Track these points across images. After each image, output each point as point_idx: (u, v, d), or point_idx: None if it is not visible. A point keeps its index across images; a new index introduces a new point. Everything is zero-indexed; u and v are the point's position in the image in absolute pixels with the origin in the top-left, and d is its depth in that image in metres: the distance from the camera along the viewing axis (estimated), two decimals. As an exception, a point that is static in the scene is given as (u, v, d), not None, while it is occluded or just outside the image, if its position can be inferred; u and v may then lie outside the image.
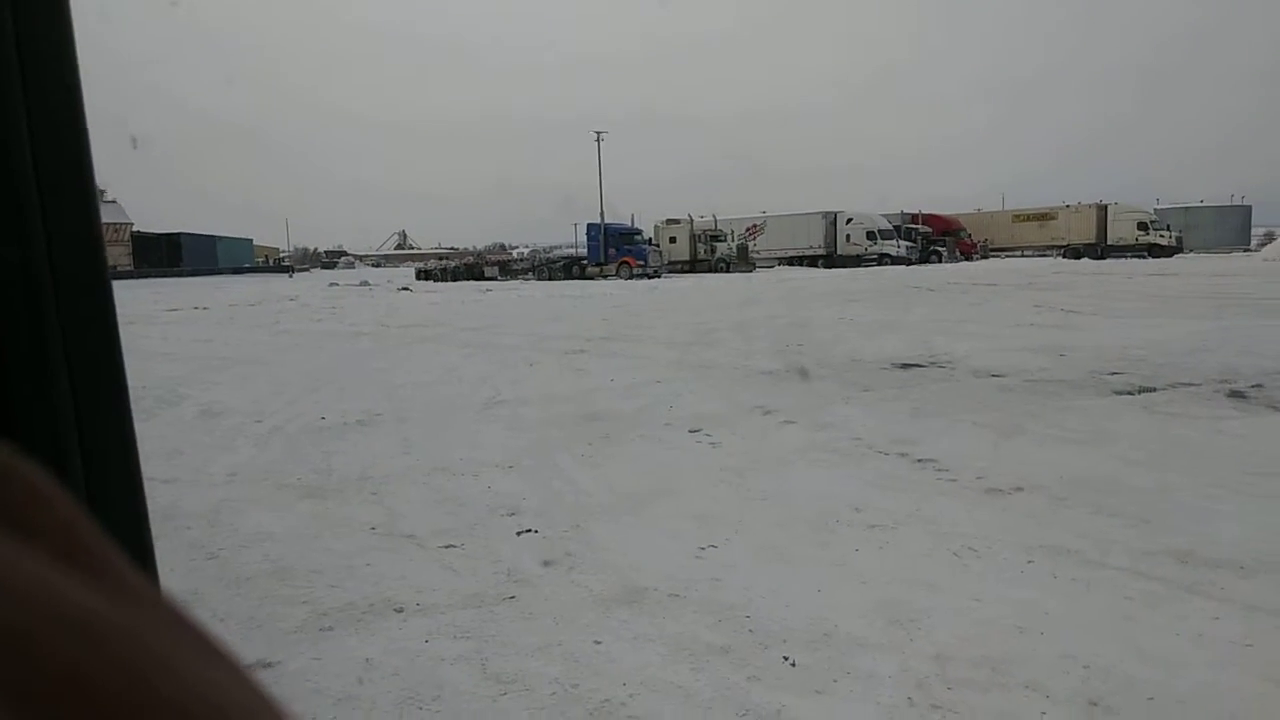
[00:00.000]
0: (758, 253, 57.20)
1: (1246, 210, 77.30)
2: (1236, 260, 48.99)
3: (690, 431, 7.09)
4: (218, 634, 0.25)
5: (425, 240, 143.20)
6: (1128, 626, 3.45)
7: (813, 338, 13.84)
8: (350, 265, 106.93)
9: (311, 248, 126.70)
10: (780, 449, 6.51)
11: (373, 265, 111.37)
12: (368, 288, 41.32)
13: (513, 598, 3.90)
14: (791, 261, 57.70)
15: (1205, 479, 5.41)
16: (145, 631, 0.23)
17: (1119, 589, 3.80)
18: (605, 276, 46.68)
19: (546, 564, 4.28)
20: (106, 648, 0.21)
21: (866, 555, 4.28)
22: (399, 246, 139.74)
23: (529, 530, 4.78)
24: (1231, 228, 75.27)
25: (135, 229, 75.95)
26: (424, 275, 54.93)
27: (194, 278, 60.10)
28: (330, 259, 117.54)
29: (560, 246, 60.55)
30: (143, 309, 24.35)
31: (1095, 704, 2.91)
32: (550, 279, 47.98)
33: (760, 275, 46.38)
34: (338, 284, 45.62)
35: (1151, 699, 2.92)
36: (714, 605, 3.74)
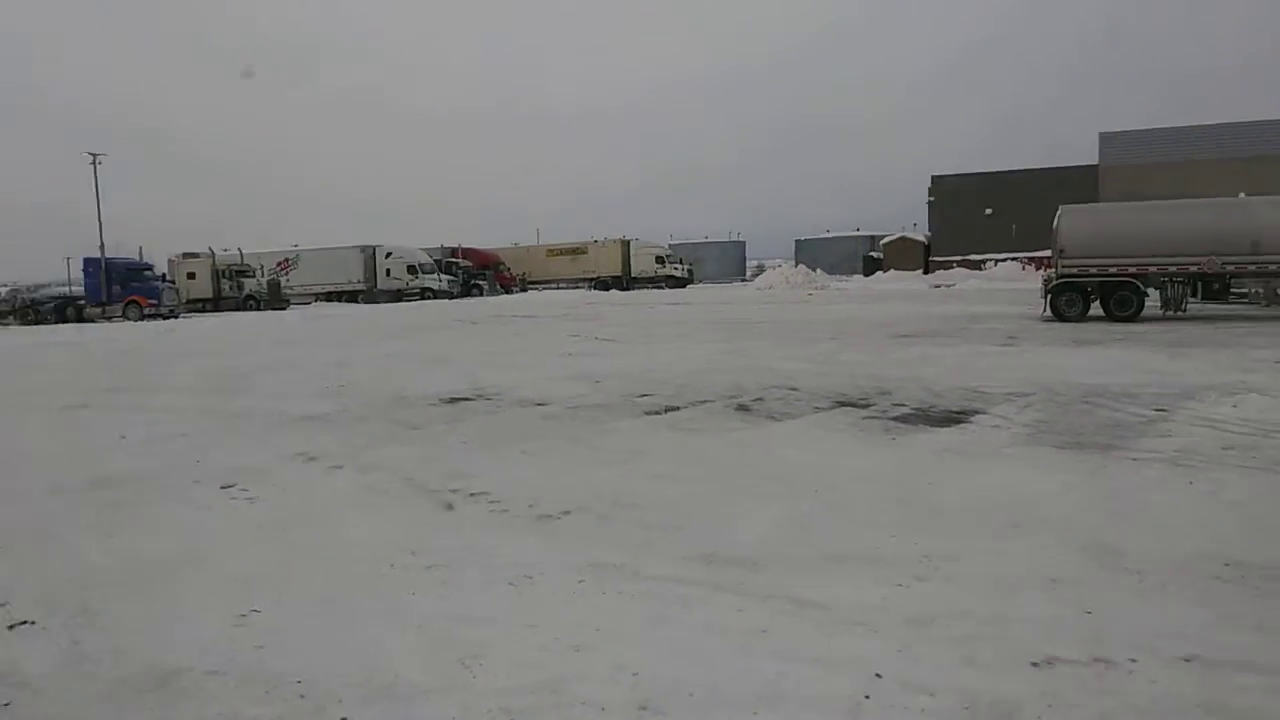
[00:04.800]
0: (291, 289, 54.74)
1: (742, 245, 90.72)
2: (736, 289, 57.13)
3: (223, 488, 6.55)
4: None
5: None
6: (668, 629, 3.84)
7: (356, 376, 13.55)
8: None
9: None
10: (328, 497, 6.26)
11: None
12: None
13: (8, 704, 3.29)
14: (330, 297, 56.07)
15: (723, 485, 6.20)
16: None
17: (658, 596, 4.21)
18: (109, 318, 41.57)
19: (50, 658, 3.68)
20: None
21: (424, 597, 4.27)
22: None
23: (24, 622, 4.08)
24: (731, 261, 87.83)
25: None
26: None
27: None
28: None
29: (50, 284, 52.61)
30: None
31: (644, 708, 3.18)
32: (38, 323, 41.58)
33: (295, 313, 44.38)
34: None
35: (692, 694, 3.27)
36: (260, 675, 3.48)
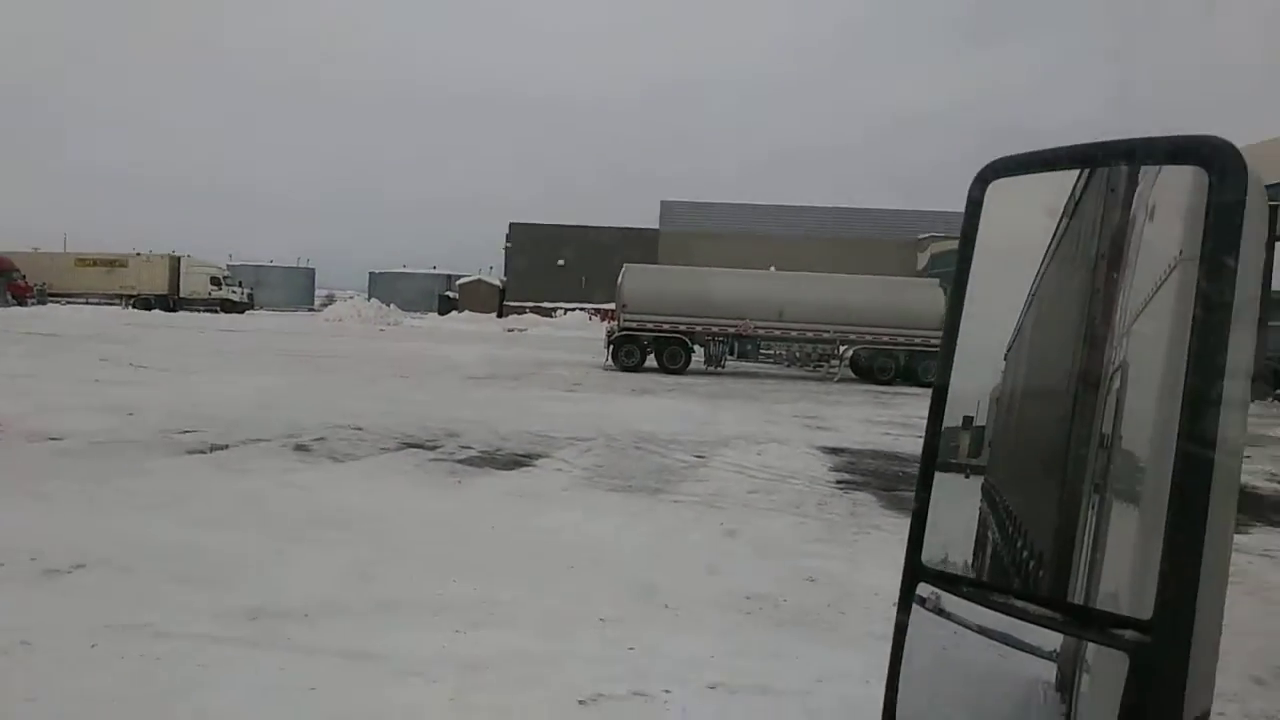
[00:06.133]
0: None
1: (311, 272, 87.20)
2: (302, 319, 54.68)
3: None
4: None
5: None
6: (201, 695, 3.51)
7: None
8: None
9: None
10: None
11: None
12: None
13: None
14: None
15: (275, 532, 5.85)
16: None
17: (190, 658, 3.85)
18: None
19: None
20: None
21: (-125, 677, 3.51)
22: None
23: None
24: (299, 287, 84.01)
25: None
26: None
27: None
28: None
29: None
30: None
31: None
32: None
33: None
34: None
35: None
36: None
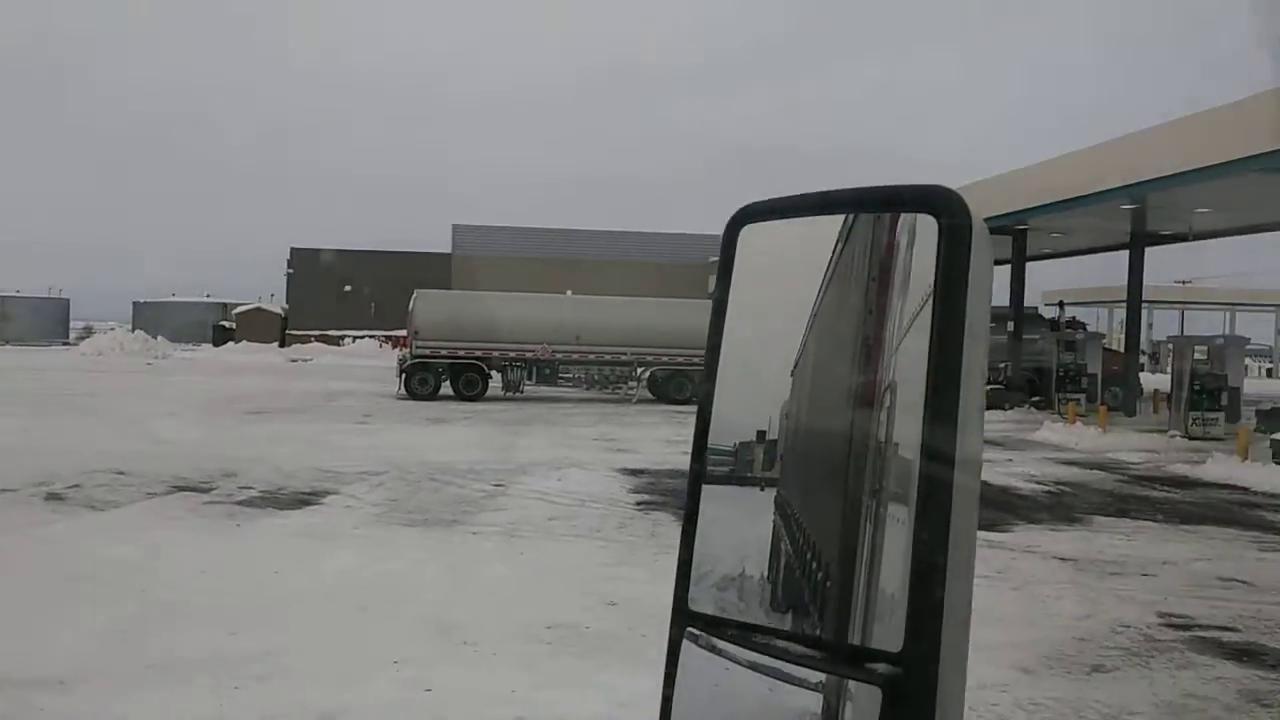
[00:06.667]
0: None
1: (65, 303, 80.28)
2: (56, 354, 50.20)
3: None
4: None
5: None
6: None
7: None
8: None
9: None
10: None
11: None
12: None
13: None
14: None
15: (25, 594, 5.31)
16: None
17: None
18: None
19: None
20: None
21: None
22: None
23: None
24: (51, 319, 77.06)
25: None
26: None
27: None
28: None
29: None
30: None
31: None
32: None
33: None
34: None
35: None
36: None
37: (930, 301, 0.61)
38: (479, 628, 4.89)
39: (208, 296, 77.02)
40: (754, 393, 0.75)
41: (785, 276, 0.75)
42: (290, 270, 64.59)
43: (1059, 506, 9.80)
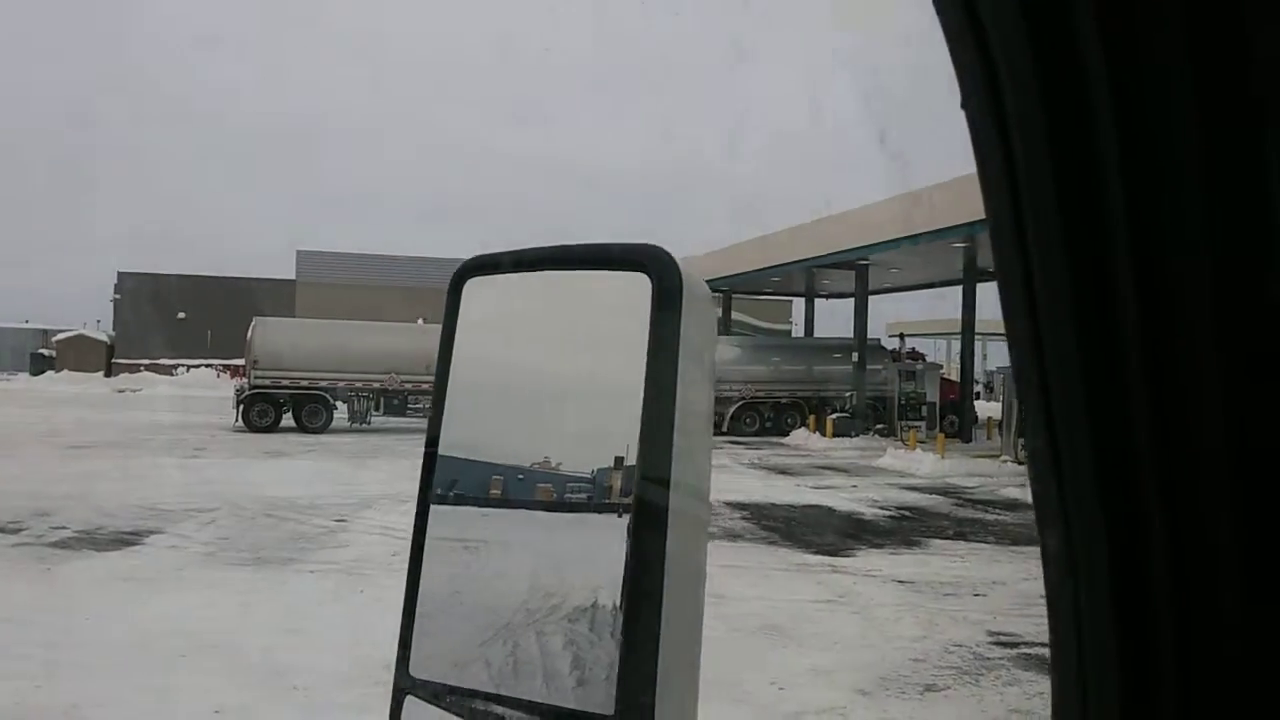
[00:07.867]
0: None
1: None
2: None
3: None
4: None
5: None
6: None
7: None
8: None
9: None
10: None
11: None
12: None
13: None
14: None
15: None
16: None
17: None
18: None
19: None
20: None
21: None
22: None
23: None
24: None
25: None
26: None
27: None
28: None
29: None
30: None
31: None
32: None
33: None
34: None
35: None
36: None
37: (646, 357, 0.62)
38: (312, 671, 4.70)
39: (26, 323, 72.03)
40: (475, 447, 0.75)
41: (504, 330, 0.76)
42: (117, 295, 61.17)
43: (899, 531, 10.20)
